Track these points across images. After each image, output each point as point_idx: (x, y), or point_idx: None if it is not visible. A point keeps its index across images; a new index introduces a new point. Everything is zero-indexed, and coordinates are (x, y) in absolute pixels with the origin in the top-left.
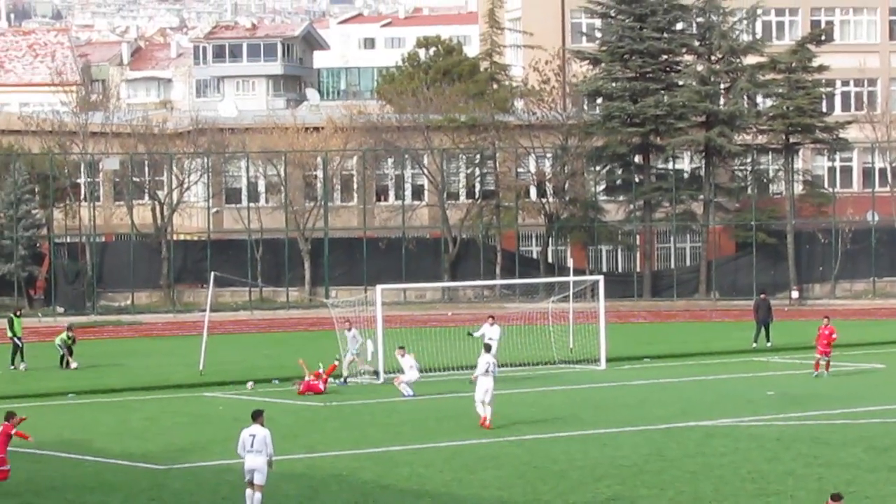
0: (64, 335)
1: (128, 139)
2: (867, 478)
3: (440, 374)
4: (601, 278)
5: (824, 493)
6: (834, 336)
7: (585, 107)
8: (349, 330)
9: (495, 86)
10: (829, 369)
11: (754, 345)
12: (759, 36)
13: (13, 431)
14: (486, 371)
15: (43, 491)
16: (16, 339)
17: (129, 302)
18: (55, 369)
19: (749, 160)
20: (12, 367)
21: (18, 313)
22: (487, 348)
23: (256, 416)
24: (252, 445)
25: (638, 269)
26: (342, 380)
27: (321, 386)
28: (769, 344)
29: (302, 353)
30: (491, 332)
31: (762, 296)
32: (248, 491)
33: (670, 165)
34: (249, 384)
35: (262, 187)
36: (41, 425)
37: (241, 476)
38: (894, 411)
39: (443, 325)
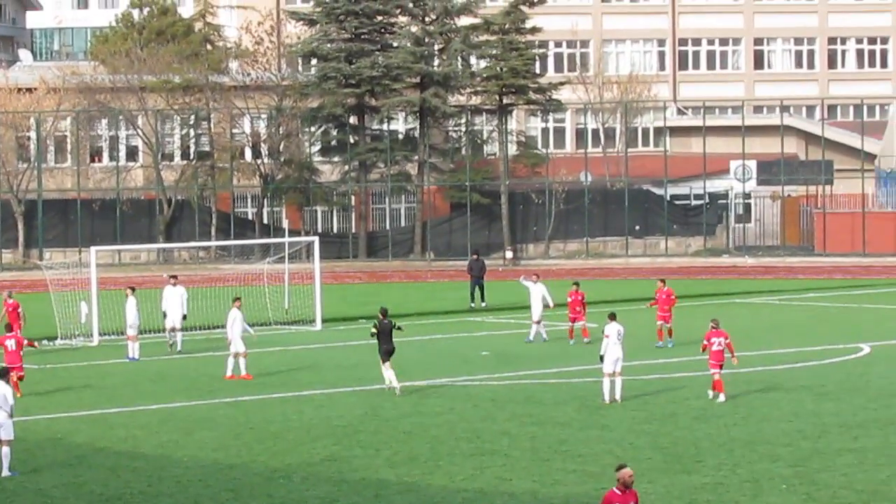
0: None
1: None
2: (579, 436)
3: (157, 335)
4: (316, 239)
5: (538, 452)
6: (673, 297)
7: (301, 68)
8: None
9: (209, 47)
10: (672, 336)
11: (472, 305)
12: None
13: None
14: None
15: None
16: None
17: None
18: None
19: (463, 121)
20: None
21: None
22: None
23: (2, 374)
24: None
25: (353, 230)
26: None
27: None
28: (484, 304)
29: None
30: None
31: (475, 256)
32: None
33: (385, 126)
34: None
35: None
36: None
37: None
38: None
39: (158, 286)
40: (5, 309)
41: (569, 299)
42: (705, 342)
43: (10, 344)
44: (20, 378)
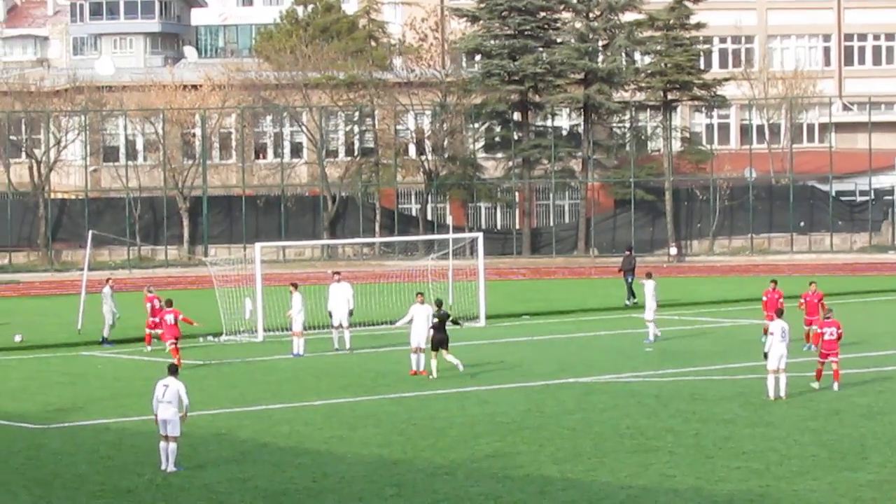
0: None
1: (4, 97)
2: (743, 433)
3: (320, 331)
4: (480, 235)
5: (702, 448)
6: (819, 300)
7: (464, 64)
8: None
9: (373, 43)
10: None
11: (627, 302)
12: None
13: (181, 317)
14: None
15: None
16: None
17: (6, 261)
18: None
19: (627, 117)
20: None
21: None
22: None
23: (172, 371)
24: (164, 396)
25: (517, 227)
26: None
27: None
28: (634, 300)
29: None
30: None
31: (627, 252)
32: (163, 443)
33: (549, 123)
34: (17, 337)
35: (140, 145)
36: None
37: (119, 435)
38: None
39: (322, 282)
40: (147, 303)
41: (764, 298)
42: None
43: (169, 318)
44: (176, 344)
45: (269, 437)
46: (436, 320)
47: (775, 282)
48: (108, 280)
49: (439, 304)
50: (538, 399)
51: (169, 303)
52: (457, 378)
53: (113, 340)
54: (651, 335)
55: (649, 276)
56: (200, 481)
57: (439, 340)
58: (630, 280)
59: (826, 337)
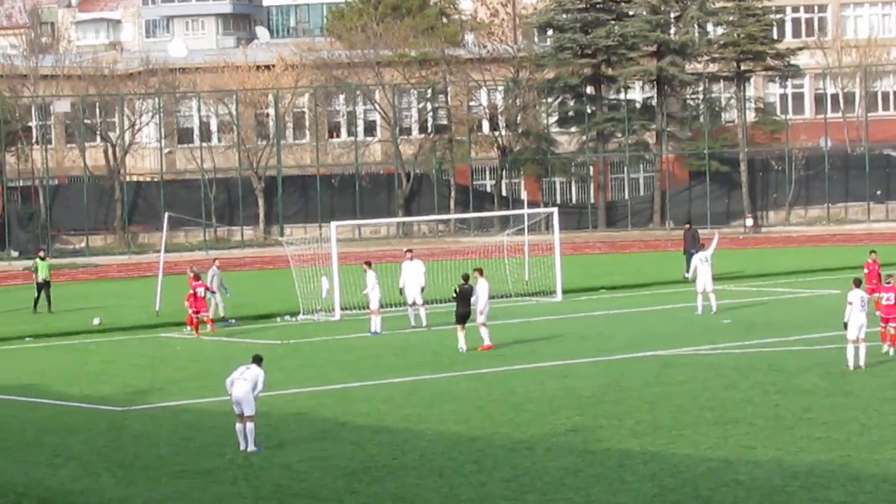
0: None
1: (78, 81)
2: (823, 403)
3: (398, 309)
4: (555, 210)
5: (782, 420)
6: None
7: (536, 39)
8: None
9: (445, 20)
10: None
11: (686, 275)
12: None
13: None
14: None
15: (1, 434)
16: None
17: (83, 244)
18: (9, 313)
19: (701, 89)
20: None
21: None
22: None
23: (256, 360)
24: (241, 375)
25: (592, 201)
26: (226, 320)
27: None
28: (687, 275)
29: (258, 292)
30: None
31: (687, 226)
32: (238, 425)
33: (622, 96)
34: (96, 320)
35: (214, 126)
36: None
37: (198, 416)
38: None
39: (397, 260)
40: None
41: (866, 270)
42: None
43: (200, 291)
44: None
45: (348, 415)
46: (455, 294)
47: (875, 252)
48: (214, 260)
49: (465, 278)
50: (616, 373)
51: (196, 277)
52: (534, 353)
53: (230, 318)
54: (714, 307)
55: (703, 246)
56: (280, 460)
57: (462, 314)
58: (692, 254)
59: (884, 302)
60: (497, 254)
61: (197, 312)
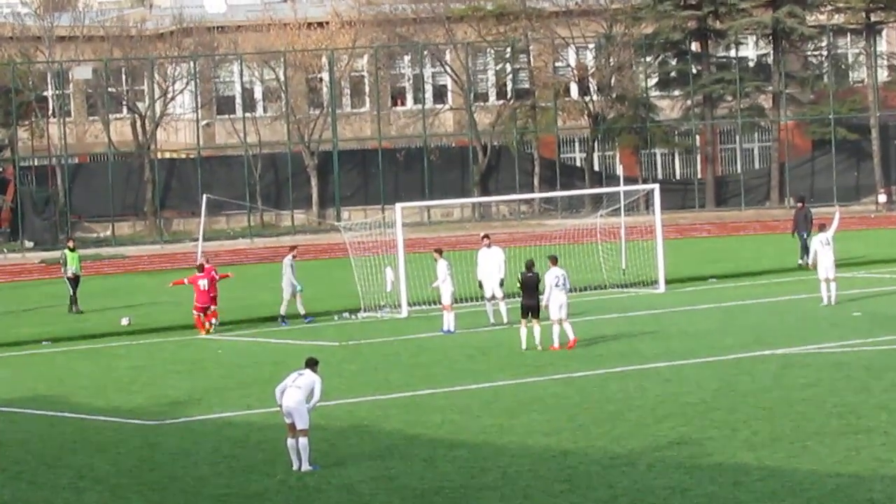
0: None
1: (101, 44)
2: None
3: (473, 304)
4: (656, 187)
5: None
6: None
7: None
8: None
9: None
10: None
11: (801, 262)
12: None
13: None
14: (557, 284)
15: (17, 454)
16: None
17: (108, 233)
18: (24, 313)
19: (824, 44)
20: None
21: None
22: (554, 260)
23: (311, 364)
24: (293, 382)
25: (698, 176)
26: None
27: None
28: (801, 261)
29: (314, 286)
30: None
31: (800, 204)
32: (290, 441)
33: (733, 53)
34: (124, 320)
35: (258, 94)
36: (11, 378)
37: (244, 431)
38: None
39: (473, 247)
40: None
41: None
42: None
43: (203, 283)
44: (209, 315)
45: (418, 428)
46: (519, 285)
47: None
48: (291, 249)
49: (529, 265)
50: (729, 375)
51: (200, 267)
52: (634, 354)
53: (289, 317)
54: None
55: (822, 227)
56: (340, 481)
57: (528, 307)
58: (805, 236)
59: None
60: (589, 238)
61: (200, 309)
